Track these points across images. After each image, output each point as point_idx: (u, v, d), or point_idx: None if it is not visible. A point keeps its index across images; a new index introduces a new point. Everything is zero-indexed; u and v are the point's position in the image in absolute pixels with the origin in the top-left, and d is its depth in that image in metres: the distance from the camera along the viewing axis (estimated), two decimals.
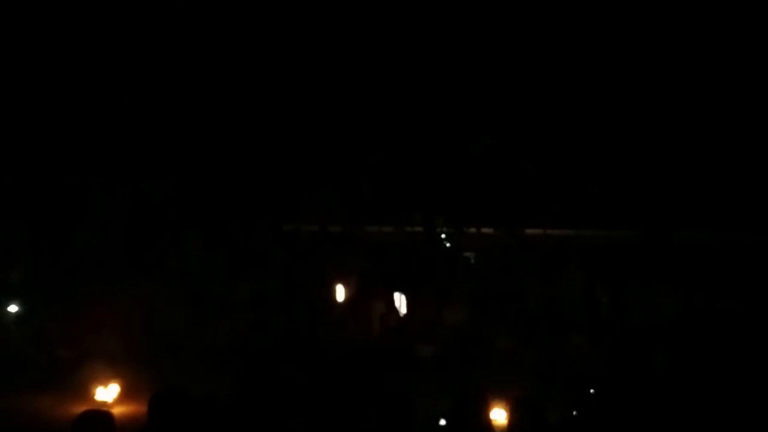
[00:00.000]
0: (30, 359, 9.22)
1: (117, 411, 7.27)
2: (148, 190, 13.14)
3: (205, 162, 13.49)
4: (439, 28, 13.61)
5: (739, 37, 13.00)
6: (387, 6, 13.49)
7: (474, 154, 14.54)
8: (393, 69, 13.83)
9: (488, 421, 4.73)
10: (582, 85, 13.78)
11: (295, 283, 10.99)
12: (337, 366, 8.81)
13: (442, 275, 11.64)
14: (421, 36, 13.65)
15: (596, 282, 10.99)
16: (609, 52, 13.51)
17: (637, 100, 13.63)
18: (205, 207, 12.93)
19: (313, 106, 13.84)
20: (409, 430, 4.47)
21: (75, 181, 12.76)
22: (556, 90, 13.87)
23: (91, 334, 9.02)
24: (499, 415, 6.49)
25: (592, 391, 7.45)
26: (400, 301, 10.69)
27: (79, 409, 6.34)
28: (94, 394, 7.87)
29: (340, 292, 10.91)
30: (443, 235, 13.64)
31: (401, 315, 10.52)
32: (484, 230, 13.80)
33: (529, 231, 13.50)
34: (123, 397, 7.86)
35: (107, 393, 7.88)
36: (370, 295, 10.64)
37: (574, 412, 6.50)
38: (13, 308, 9.58)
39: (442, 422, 4.77)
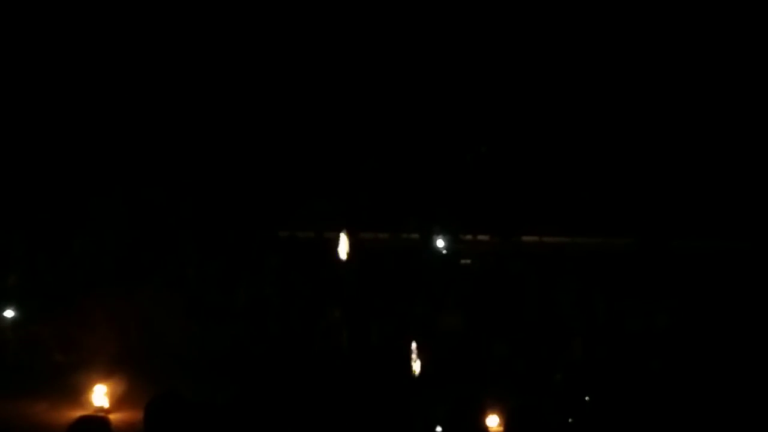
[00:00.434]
0: (26, 364, 9.21)
1: (113, 416, 7.27)
2: (146, 196, 13.14)
3: (201, 168, 13.50)
4: (434, 36, 13.67)
5: (736, 48, 13.07)
6: (384, 15, 13.55)
7: (470, 162, 14.58)
8: (390, 76, 13.87)
9: (485, 429, 4.74)
10: (578, 93, 13.84)
11: (292, 290, 10.99)
12: (334, 373, 8.83)
13: (438, 282, 11.66)
14: (417, 44, 13.70)
15: (592, 289, 11.02)
16: (604, 61, 13.58)
17: (633, 108, 13.69)
18: (201, 213, 12.94)
19: (309, 113, 13.87)
20: None
21: (72, 187, 12.76)
22: (552, 98, 13.93)
23: (88, 340, 9.02)
24: (495, 422, 6.51)
25: (587, 398, 7.48)
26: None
27: (75, 414, 6.35)
28: (90, 400, 7.86)
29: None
30: (439, 242, 13.65)
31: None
32: (480, 237, 13.82)
33: (525, 238, 13.52)
34: (119, 403, 7.86)
35: (103, 398, 7.88)
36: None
37: (570, 420, 6.53)
38: (9, 313, 9.57)
39: (439, 429, 4.79)
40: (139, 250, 11.55)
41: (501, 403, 6.02)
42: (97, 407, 7.76)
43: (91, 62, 12.93)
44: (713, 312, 10.39)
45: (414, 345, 9.08)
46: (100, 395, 7.88)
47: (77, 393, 7.97)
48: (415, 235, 13.69)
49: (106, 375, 8.03)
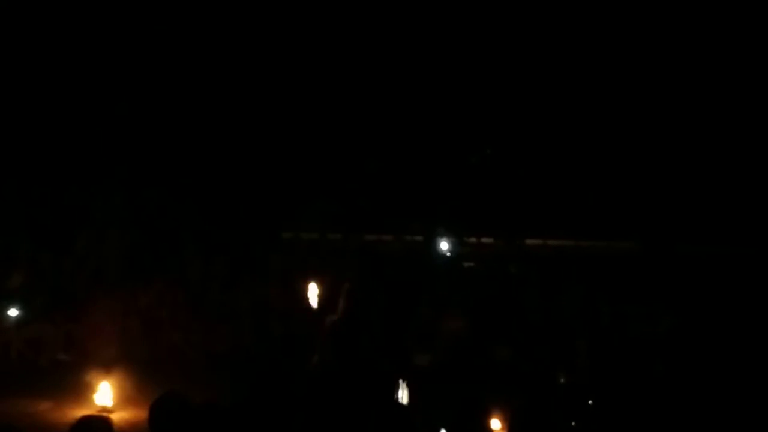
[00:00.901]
0: (30, 364, 9.23)
1: (116, 416, 7.28)
2: (148, 196, 13.16)
3: (204, 169, 13.51)
4: (438, 38, 13.67)
5: (739, 50, 13.06)
6: (387, 16, 13.56)
7: (474, 164, 14.57)
8: (394, 78, 13.88)
9: (488, 431, 4.74)
10: (582, 96, 13.83)
11: (295, 291, 10.99)
12: (335, 375, 8.81)
13: (441, 285, 11.64)
14: (421, 46, 13.71)
15: (596, 293, 11.00)
16: (608, 63, 13.57)
17: (638, 112, 13.68)
18: (204, 214, 12.95)
19: (313, 114, 13.88)
20: None
21: (75, 188, 12.78)
22: (556, 100, 13.92)
23: (91, 340, 9.03)
24: (497, 425, 6.50)
25: (590, 402, 7.47)
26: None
27: (79, 413, 6.36)
28: (93, 399, 7.87)
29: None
30: (443, 245, 13.65)
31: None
32: (484, 240, 13.82)
33: (528, 241, 13.52)
34: (122, 403, 7.87)
35: (107, 398, 7.89)
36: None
37: (573, 423, 6.52)
38: (13, 313, 9.58)
39: (442, 431, 4.78)
40: (143, 250, 11.56)
41: (504, 405, 6.02)
42: (100, 407, 7.76)
43: (94, 63, 12.96)
44: (717, 316, 10.37)
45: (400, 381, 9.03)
46: (103, 395, 7.89)
47: (81, 392, 7.98)
48: (419, 238, 13.70)
49: (109, 374, 8.04)
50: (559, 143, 14.06)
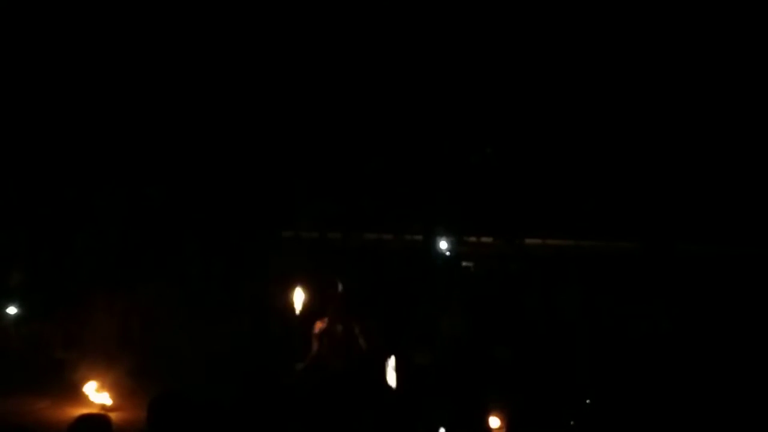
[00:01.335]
0: (29, 361, 9.22)
1: (115, 414, 7.27)
2: (149, 194, 13.15)
3: (205, 167, 13.50)
4: (438, 37, 13.66)
5: (739, 51, 13.05)
6: (387, 15, 13.55)
7: (474, 164, 14.57)
8: (394, 77, 13.87)
9: (487, 430, 4.74)
10: (582, 96, 13.82)
11: (292, 291, 10.97)
12: (335, 373, 8.81)
13: (441, 284, 11.65)
14: (421, 46, 13.69)
15: (595, 292, 11.00)
16: (608, 63, 13.56)
17: (638, 112, 13.67)
18: (204, 212, 12.94)
19: (314, 114, 13.87)
20: None
21: (75, 185, 12.77)
22: (556, 100, 13.91)
23: (90, 337, 9.02)
24: (497, 423, 6.51)
25: (588, 401, 7.47)
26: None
27: (77, 411, 6.36)
28: (91, 397, 7.87)
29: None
30: (443, 244, 13.64)
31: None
32: (484, 239, 13.81)
33: (528, 241, 13.51)
34: (120, 401, 7.87)
35: (105, 396, 7.88)
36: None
37: (572, 422, 6.52)
38: (12, 310, 9.58)
39: (442, 430, 4.78)
40: (142, 248, 11.56)
41: (503, 404, 6.02)
42: (98, 404, 7.76)
43: (94, 61, 12.95)
44: (717, 316, 10.37)
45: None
46: (102, 393, 7.88)
47: (79, 390, 7.98)
48: (419, 237, 13.69)
49: (108, 372, 8.03)
50: (559, 143, 14.05)
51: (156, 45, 13.03)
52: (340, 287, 10.10)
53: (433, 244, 13.61)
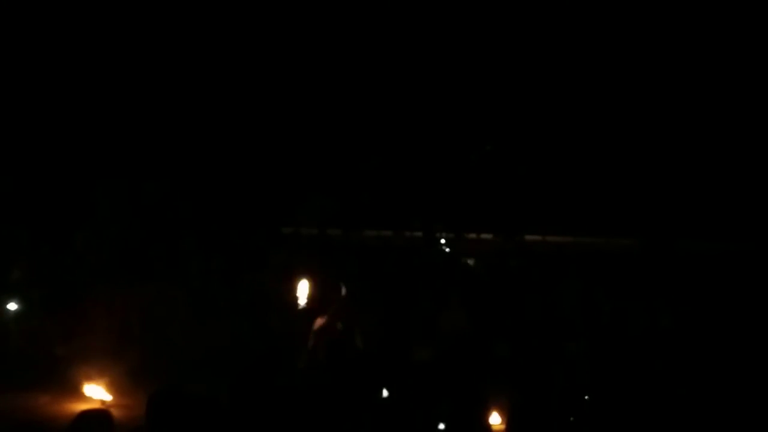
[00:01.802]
0: (29, 358, 9.23)
1: (114, 410, 7.26)
2: (149, 190, 13.15)
3: (205, 164, 13.50)
4: (438, 34, 13.65)
5: (738, 47, 13.05)
6: (387, 12, 13.54)
7: (474, 160, 14.57)
8: (394, 74, 13.87)
9: (487, 426, 4.75)
10: (581, 93, 13.82)
11: (295, 287, 10.97)
12: (335, 369, 8.81)
13: (441, 281, 11.65)
14: (421, 42, 13.69)
15: (595, 289, 11.01)
16: (608, 59, 13.56)
17: (637, 108, 13.67)
18: (204, 208, 12.94)
19: (314, 110, 13.87)
20: None
21: (75, 182, 12.77)
22: (556, 97, 13.91)
23: (90, 334, 9.02)
24: (497, 419, 6.51)
25: (586, 397, 7.48)
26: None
27: (77, 407, 6.37)
28: (91, 393, 7.88)
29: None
30: (442, 241, 13.65)
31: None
32: (484, 236, 13.82)
33: (528, 237, 13.52)
34: (120, 397, 7.87)
35: (105, 392, 7.89)
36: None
37: (572, 419, 6.53)
38: (12, 306, 9.58)
39: (441, 426, 4.79)
40: (142, 244, 11.56)
41: (503, 400, 6.02)
42: (98, 401, 7.77)
43: (94, 58, 12.94)
44: (716, 313, 10.37)
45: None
46: (101, 389, 7.89)
47: (79, 386, 7.99)
48: (419, 233, 13.70)
49: (107, 369, 8.04)
50: (558, 140, 14.06)
51: (156, 42, 13.03)
52: (343, 291, 10.14)
53: (433, 241, 13.62)
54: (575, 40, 13.55)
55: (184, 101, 13.45)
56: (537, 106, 13.99)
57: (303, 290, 9.75)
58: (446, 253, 13.46)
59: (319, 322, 8.28)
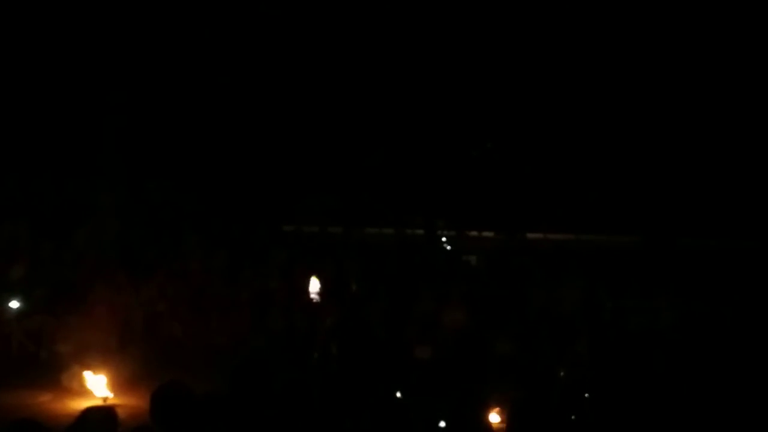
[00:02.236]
0: (30, 355, 9.24)
1: (116, 407, 7.27)
2: (150, 188, 13.16)
3: (206, 162, 13.51)
4: (440, 31, 13.64)
5: (739, 43, 13.04)
6: (388, 9, 13.53)
7: (475, 158, 14.57)
8: (395, 72, 13.86)
9: (487, 424, 4.75)
10: (583, 91, 13.81)
11: (296, 284, 10.99)
12: (336, 366, 8.82)
13: (442, 278, 11.65)
14: (423, 40, 13.68)
15: (596, 287, 11.00)
16: (610, 57, 13.55)
17: (639, 106, 13.66)
18: (206, 206, 12.95)
19: (315, 108, 13.87)
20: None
21: (76, 179, 12.79)
22: (558, 95, 13.90)
23: (92, 331, 9.03)
24: (497, 418, 6.52)
25: (587, 395, 7.48)
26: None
27: (79, 405, 6.37)
28: (93, 391, 7.89)
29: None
30: (444, 238, 13.66)
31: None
32: (485, 233, 13.82)
33: (530, 235, 13.52)
34: (122, 394, 7.89)
35: (106, 389, 7.90)
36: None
37: (573, 417, 6.52)
38: (14, 304, 9.59)
39: (442, 424, 4.78)
40: (144, 241, 11.57)
41: (503, 399, 6.02)
42: (101, 398, 7.78)
43: (96, 55, 12.94)
44: (718, 310, 10.37)
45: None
46: (103, 385, 7.90)
47: (81, 384, 8.00)
48: (420, 231, 13.70)
49: (110, 366, 8.05)
50: (560, 138, 14.05)
51: (158, 40, 13.03)
52: (354, 287, 10.17)
53: (435, 239, 13.62)
54: (577, 39, 13.54)
55: (186, 99, 13.45)
56: (539, 104, 13.98)
57: (314, 286, 9.80)
58: (447, 250, 13.46)
59: (329, 318, 8.29)
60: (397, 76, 13.83)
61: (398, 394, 6.65)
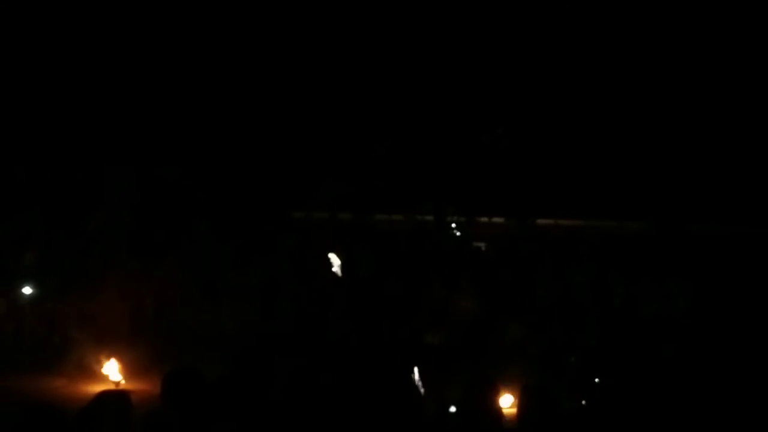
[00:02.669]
0: (44, 341, 9.32)
1: (128, 391, 7.33)
2: (161, 175, 13.18)
3: (216, 149, 13.51)
4: (449, 17, 13.56)
5: (742, 30, 12.92)
6: None
7: (485, 144, 14.51)
8: (404, 58, 13.80)
9: (498, 409, 4.74)
10: (593, 76, 13.72)
11: (306, 270, 11.03)
12: (346, 353, 8.86)
13: (452, 264, 11.65)
14: (431, 25, 13.61)
15: (607, 272, 10.98)
16: (618, 42, 13.44)
17: (650, 90, 13.56)
18: (216, 193, 12.97)
19: (324, 95, 13.84)
20: (419, 417, 4.49)
21: (87, 167, 12.83)
22: (567, 80, 13.81)
23: (104, 317, 9.10)
24: (508, 402, 6.52)
25: (597, 380, 7.49)
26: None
27: (92, 389, 6.42)
28: (106, 375, 7.96)
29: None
30: (454, 224, 13.63)
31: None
32: (495, 220, 13.78)
33: (540, 221, 13.47)
34: (134, 378, 7.95)
35: (119, 374, 7.97)
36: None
37: (583, 402, 6.53)
38: (27, 290, 9.67)
39: (452, 409, 4.79)
40: (155, 228, 11.61)
41: (514, 383, 6.02)
42: (113, 382, 7.85)
43: (105, 46, 12.95)
44: (729, 296, 10.33)
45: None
46: (115, 370, 7.97)
47: (94, 368, 8.07)
48: (430, 217, 13.67)
49: (121, 351, 8.11)
50: (570, 123, 13.97)
51: (168, 28, 13.02)
52: (364, 274, 10.17)
53: (444, 225, 13.60)
54: (587, 25, 13.44)
55: (195, 87, 13.45)
56: (548, 89, 13.90)
57: (335, 261, 9.81)
58: (457, 237, 13.44)
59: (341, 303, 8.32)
60: (408, 63, 13.77)
61: (416, 377, 6.65)
